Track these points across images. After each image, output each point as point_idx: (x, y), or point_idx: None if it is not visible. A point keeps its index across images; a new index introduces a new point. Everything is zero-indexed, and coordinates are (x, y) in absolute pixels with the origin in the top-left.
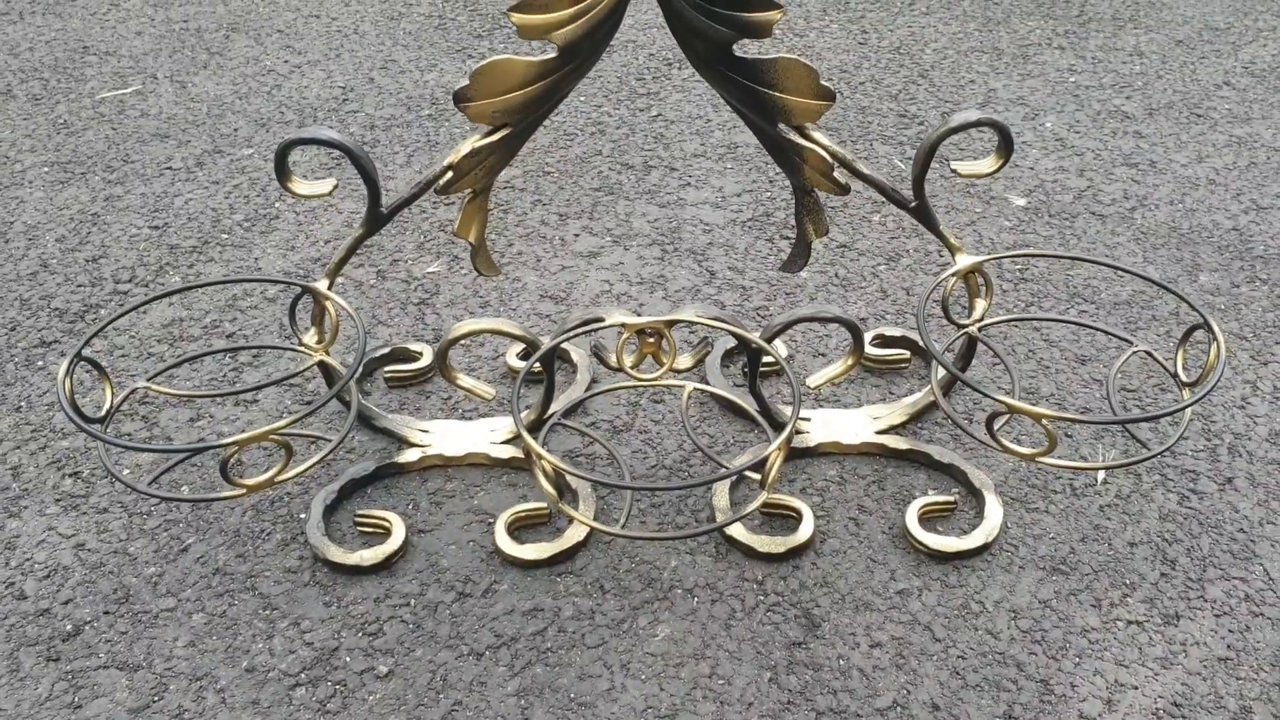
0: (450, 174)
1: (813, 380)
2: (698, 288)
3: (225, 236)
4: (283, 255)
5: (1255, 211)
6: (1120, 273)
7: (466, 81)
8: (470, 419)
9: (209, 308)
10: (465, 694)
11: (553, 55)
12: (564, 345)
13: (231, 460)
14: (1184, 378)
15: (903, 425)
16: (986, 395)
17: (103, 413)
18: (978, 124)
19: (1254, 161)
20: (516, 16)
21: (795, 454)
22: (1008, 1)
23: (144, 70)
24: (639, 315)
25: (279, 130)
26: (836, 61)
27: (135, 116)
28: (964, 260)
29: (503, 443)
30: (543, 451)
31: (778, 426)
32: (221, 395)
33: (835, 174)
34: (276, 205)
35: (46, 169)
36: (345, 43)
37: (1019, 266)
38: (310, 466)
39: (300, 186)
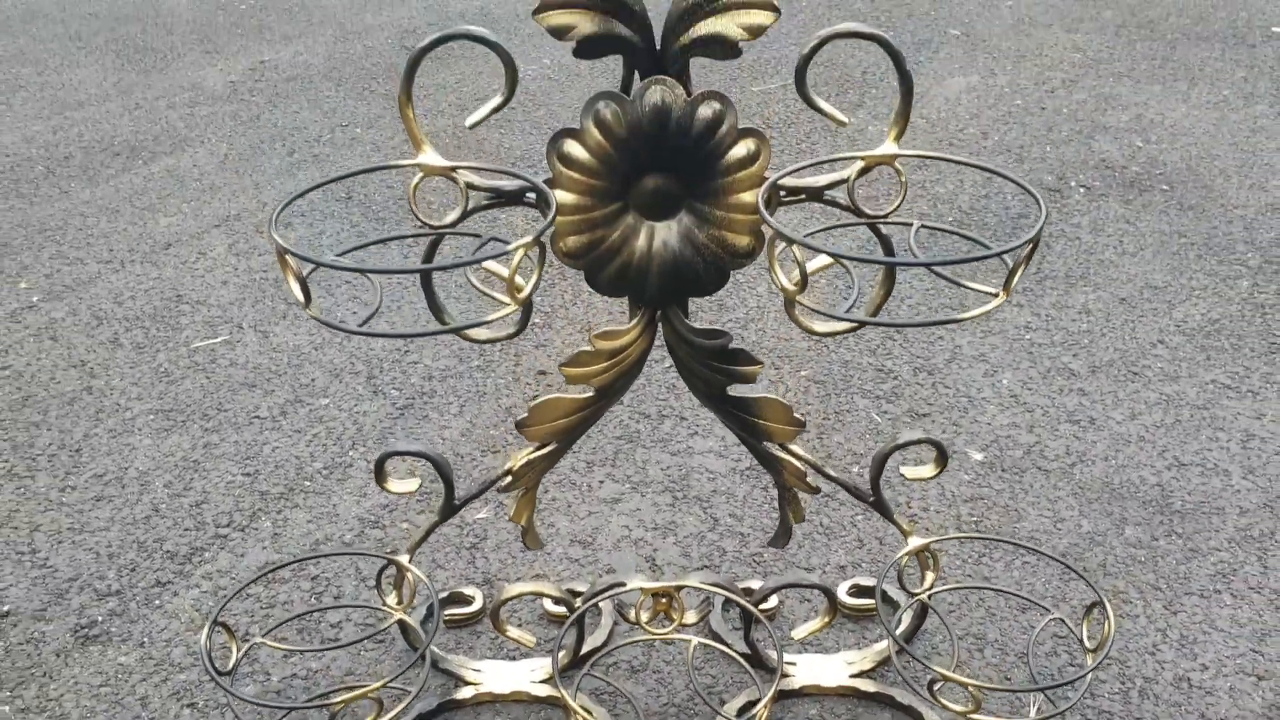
0: (509, 478)
1: (796, 633)
2: (703, 534)
3: (308, 484)
4: (357, 502)
5: (1176, 468)
6: (1056, 523)
7: (526, 414)
8: (514, 658)
9: (296, 551)
10: None
11: (591, 394)
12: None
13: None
14: (1088, 644)
15: (872, 670)
16: (925, 665)
17: (230, 666)
18: (919, 442)
19: (1179, 419)
20: (566, 370)
21: (782, 695)
22: None
23: (230, 320)
24: (654, 579)
25: (350, 380)
26: None
27: (225, 365)
28: (914, 541)
29: (541, 681)
30: (576, 706)
31: (769, 670)
32: (323, 650)
33: (809, 479)
34: (350, 454)
35: (152, 416)
36: (404, 295)
37: (975, 519)
38: (396, 715)
39: (395, 485)
